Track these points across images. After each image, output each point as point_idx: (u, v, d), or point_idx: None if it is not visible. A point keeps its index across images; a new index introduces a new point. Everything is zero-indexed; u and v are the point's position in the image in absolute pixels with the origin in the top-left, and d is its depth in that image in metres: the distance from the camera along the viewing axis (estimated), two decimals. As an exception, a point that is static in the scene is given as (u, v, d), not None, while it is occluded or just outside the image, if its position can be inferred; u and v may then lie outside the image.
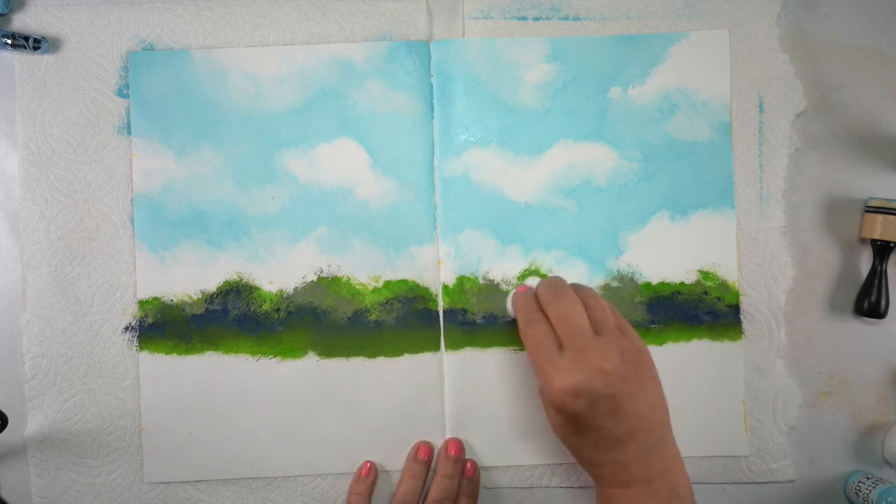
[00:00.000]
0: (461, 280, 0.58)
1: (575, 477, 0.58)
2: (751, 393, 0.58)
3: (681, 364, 0.58)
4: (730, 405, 0.58)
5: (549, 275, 0.58)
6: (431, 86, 0.58)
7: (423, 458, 0.57)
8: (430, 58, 0.58)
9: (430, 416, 0.58)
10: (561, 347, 0.47)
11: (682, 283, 0.59)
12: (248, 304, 0.58)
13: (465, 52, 0.58)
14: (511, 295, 0.56)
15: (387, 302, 0.58)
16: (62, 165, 0.58)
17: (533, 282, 0.55)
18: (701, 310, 0.58)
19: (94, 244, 0.58)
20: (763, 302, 0.58)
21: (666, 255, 0.59)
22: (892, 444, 0.58)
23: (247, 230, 0.58)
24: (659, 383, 0.48)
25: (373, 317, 0.58)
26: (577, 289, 0.51)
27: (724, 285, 0.58)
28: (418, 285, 0.58)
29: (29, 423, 0.57)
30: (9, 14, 0.58)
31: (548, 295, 0.50)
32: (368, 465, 0.57)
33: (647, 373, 0.48)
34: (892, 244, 0.58)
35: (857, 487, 0.57)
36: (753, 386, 0.58)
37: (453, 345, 0.58)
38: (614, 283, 0.58)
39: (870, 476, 0.57)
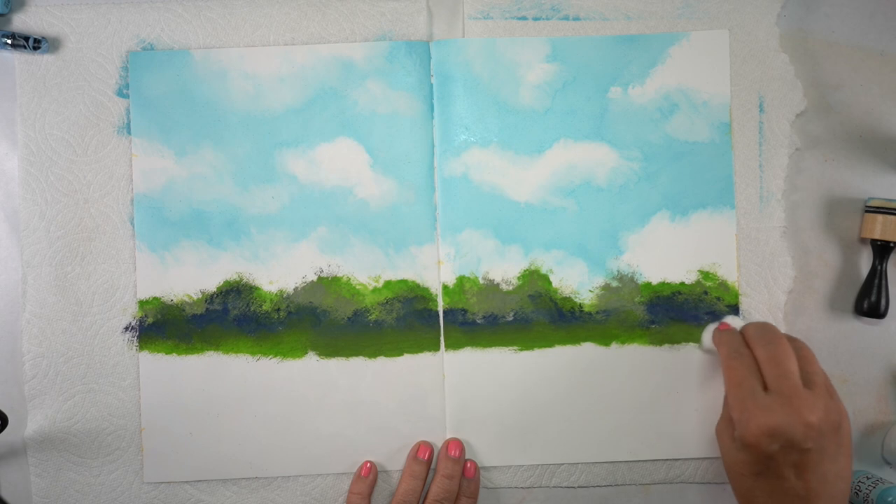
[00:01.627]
0: (461, 280, 0.58)
1: (575, 477, 0.58)
2: (751, 393, 0.58)
3: (681, 364, 0.58)
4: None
5: (551, 274, 0.58)
6: (431, 86, 0.58)
7: (423, 458, 0.57)
8: (430, 58, 0.58)
9: (430, 416, 0.58)
10: (765, 388, 0.47)
11: (682, 283, 0.59)
12: (248, 304, 0.58)
13: (465, 52, 0.58)
14: (710, 329, 0.55)
15: (387, 302, 0.58)
16: (62, 165, 0.58)
17: (734, 321, 0.54)
18: (701, 310, 0.58)
19: (94, 244, 0.58)
20: (763, 302, 0.58)
21: (666, 255, 0.59)
22: (892, 444, 0.58)
23: (247, 230, 0.58)
24: (851, 457, 0.48)
25: (373, 317, 0.58)
26: (790, 339, 0.50)
27: (724, 285, 0.58)
28: (418, 285, 0.58)
29: (29, 423, 0.57)
30: (9, 14, 0.58)
31: (760, 336, 0.49)
32: (368, 465, 0.57)
33: (844, 441, 0.47)
34: (892, 244, 0.58)
35: (857, 487, 0.57)
36: (753, 386, 0.58)
37: (453, 345, 0.58)
38: (614, 283, 0.58)
39: (870, 476, 0.57)
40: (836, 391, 0.49)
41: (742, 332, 0.51)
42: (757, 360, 0.48)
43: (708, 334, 0.56)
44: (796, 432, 0.45)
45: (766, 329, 0.50)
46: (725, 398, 0.52)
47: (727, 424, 0.50)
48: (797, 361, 0.48)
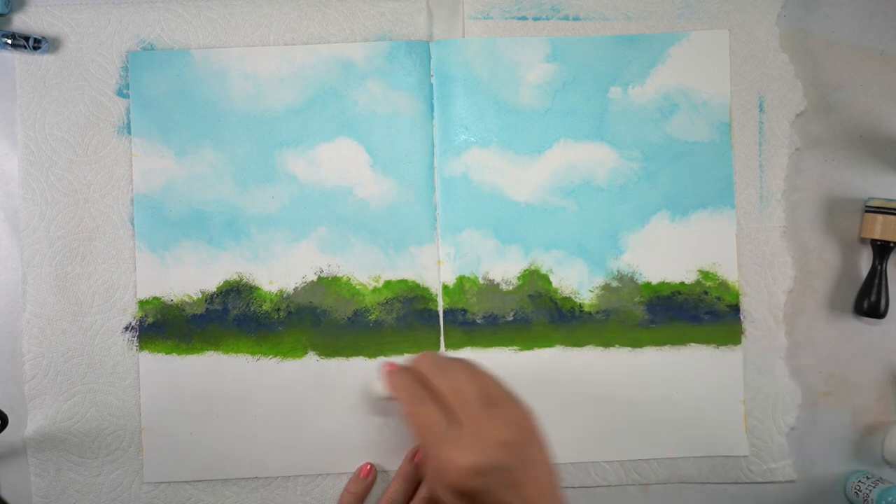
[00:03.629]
0: (461, 280, 0.58)
1: (574, 477, 0.58)
2: (751, 393, 0.58)
3: (681, 364, 0.58)
4: (730, 405, 0.58)
5: (551, 274, 0.58)
6: (431, 86, 0.58)
7: (420, 461, 0.57)
8: (430, 58, 0.58)
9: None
10: (452, 422, 0.45)
11: (682, 283, 0.59)
12: (248, 304, 0.58)
13: (465, 52, 0.58)
14: (380, 373, 0.52)
15: (387, 302, 0.58)
16: (62, 165, 0.58)
17: (397, 359, 0.53)
18: (701, 310, 0.58)
19: (94, 244, 0.58)
20: (763, 302, 0.58)
21: (666, 254, 0.59)
22: (892, 444, 0.58)
23: (247, 230, 0.58)
24: (545, 442, 0.46)
25: (373, 317, 0.58)
26: (457, 360, 0.48)
27: (724, 285, 0.58)
28: (418, 285, 0.58)
29: (29, 423, 0.57)
30: (9, 14, 0.58)
31: (433, 367, 0.47)
32: (368, 467, 0.57)
33: (535, 436, 0.46)
34: (892, 244, 0.58)
35: (857, 487, 0.57)
36: (753, 386, 0.58)
37: (453, 345, 0.58)
38: (614, 283, 0.58)
39: (870, 476, 0.57)
40: (511, 393, 0.47)
41: (413, 369, 0.49)
42: (439, 393, 0.46)
43: (377, 379, 0.54)
44: (497, 458, 0.43)
45: (436, 359, 0.48)
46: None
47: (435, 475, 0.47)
48: (473, 381, 0.46)
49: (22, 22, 0.58)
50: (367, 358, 0.58)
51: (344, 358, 0.58)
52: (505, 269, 0.58)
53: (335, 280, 0.58)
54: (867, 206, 0.58)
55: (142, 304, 0.58)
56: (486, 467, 0.43)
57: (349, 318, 0.58)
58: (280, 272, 0.58)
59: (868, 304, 0.58)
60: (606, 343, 0.58)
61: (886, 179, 0.60)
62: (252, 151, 0.58)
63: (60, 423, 0.57)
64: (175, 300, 0.58)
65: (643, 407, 0.58)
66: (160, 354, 0.58)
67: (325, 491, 0.58)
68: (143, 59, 0.58)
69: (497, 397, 0.46)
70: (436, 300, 0.58)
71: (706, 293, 0.58)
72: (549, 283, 0.58)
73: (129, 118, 0.58)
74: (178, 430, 0.58)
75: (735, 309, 0.58)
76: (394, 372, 0.49)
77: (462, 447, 0.44)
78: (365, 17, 0.59)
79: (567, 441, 0.58)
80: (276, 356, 0.58)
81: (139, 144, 0.58)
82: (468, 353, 0.58)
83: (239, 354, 0.58)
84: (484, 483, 0.43)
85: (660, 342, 0.58)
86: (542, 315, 0.58)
